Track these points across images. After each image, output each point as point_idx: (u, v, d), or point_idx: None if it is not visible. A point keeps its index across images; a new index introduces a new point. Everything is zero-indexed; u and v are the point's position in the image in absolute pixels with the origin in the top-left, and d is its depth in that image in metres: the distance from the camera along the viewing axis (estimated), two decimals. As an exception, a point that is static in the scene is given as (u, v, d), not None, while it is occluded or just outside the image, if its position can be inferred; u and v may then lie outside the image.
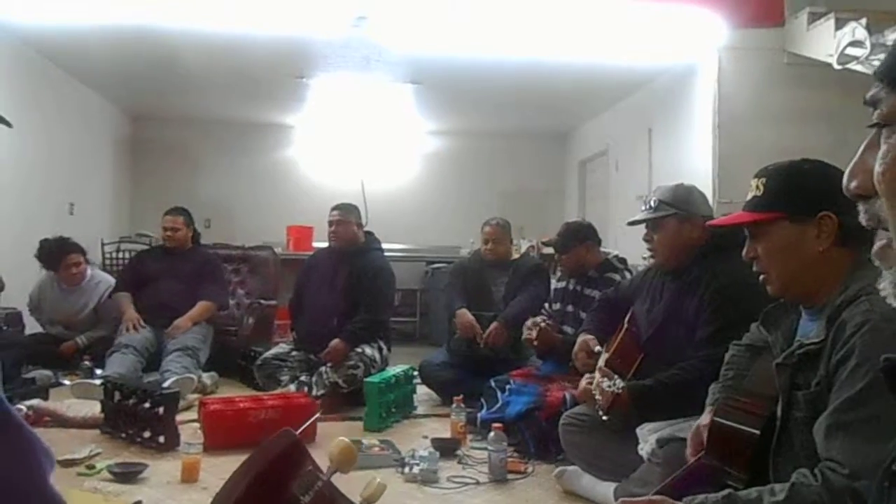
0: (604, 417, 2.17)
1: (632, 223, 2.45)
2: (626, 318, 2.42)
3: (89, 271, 4.58)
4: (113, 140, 6.93)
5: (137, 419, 2.98)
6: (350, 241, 4.02)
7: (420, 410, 3.74)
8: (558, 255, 3.44)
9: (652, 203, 2.36)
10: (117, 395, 3.10)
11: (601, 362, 2.31)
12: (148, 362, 4.03)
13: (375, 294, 3.89)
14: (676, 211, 2.30)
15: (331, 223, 4.05)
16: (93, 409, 3.25)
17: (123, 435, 3.01)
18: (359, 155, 7.47)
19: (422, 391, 3.92)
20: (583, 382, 2.36)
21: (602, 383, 2.14)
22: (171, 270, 4.35)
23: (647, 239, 2.38)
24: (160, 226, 4.55)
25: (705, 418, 1.76)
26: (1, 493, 0.62)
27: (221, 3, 4.34)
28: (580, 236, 3.38)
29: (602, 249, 3.46)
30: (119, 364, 3.81)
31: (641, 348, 2.31)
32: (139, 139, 7.36)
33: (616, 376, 2.16)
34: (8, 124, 1.01)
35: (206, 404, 3.09)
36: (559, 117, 7.03)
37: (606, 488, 2.33)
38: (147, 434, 2.94)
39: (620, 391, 2.12)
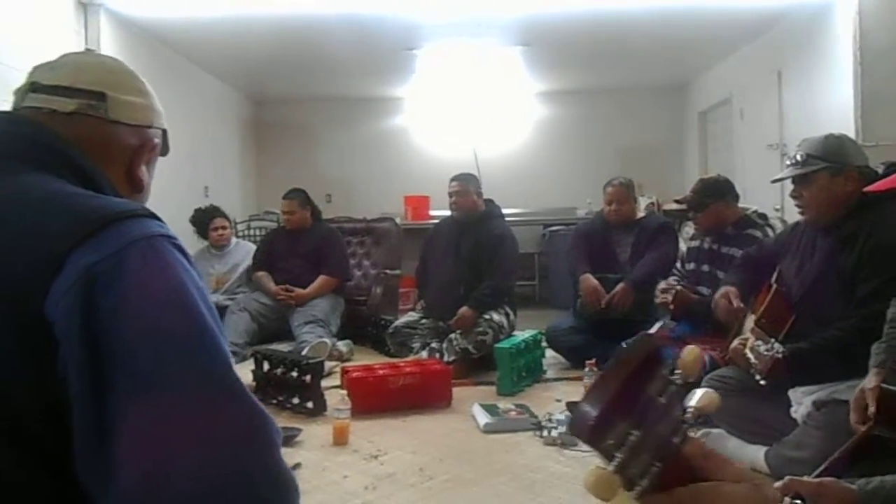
0: (762, 382, 2.09)
1: (777, 180, 2.32)
2: (774, 277, 2.31)
3: (234, 239, 4.98)
4: (239, 124, 7.31)
5: (286, 386, 3.19)
6: (470, 210, 4.06)
7: (550, 374, 3.76)
8: (693, 214, 3.29)
9: (799, 157, 2.21)
10: (266, 365, 3.33)
11: (750, 323, 2.23)
12: (271, 332, 4.31)
13: (499, 261, 3.92)
14: (828, 164, 2.15)
15: (451, 194, 4.11)
16: (244, 377, 3.49)
17: (274, 401, 3.22)
18: (470, 122, 7.49)
19: (550, 355, 3.93)
20: (735, 343, 2.28)
21: (758, 346, 2.06)
22: (294, 249, 4.59)
23: (795, 195, 2.24)
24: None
25: (870, 381, 1.67)
26: (230, 470, 0.66)
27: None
28: (717, 192, 3.19)
29: (739, 205, 3.29)
30: (234, 324, 4.12)
31: (792, 308, 2.20)
32: (262, 122, 7.72)
33: (772, 339, 2.08)
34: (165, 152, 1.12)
35: (349, 372, 3.26)
36: (676, 68, 6.71)
37: (756, 451, 2.26)
38: (296, 400, 3.14)
39: (780, 355, 2.03)
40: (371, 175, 7.50)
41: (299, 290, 4.35)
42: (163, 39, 5.35)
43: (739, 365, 2.28)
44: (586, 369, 3.17)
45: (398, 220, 6.04)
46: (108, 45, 4.67)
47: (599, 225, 4.06)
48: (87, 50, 1.07)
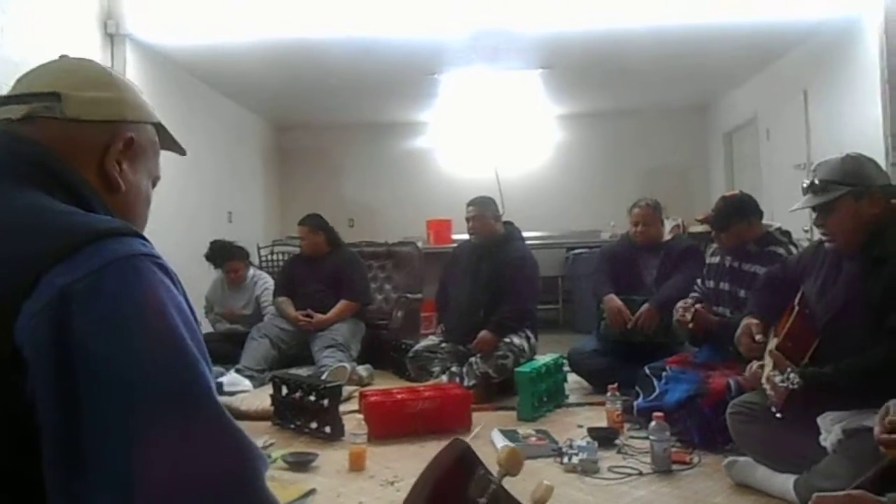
0: (777, 415, 2.01)
1: (797, 209, 2.24)
2: (797, 299, 2.24)
3: (251, 272, 4.97)
4: (261, 150, 7.40)
5: (304, 411, 3.16)
6: (488, 235, 4.03)
7: (572, 399, 3.68)
8: (716, 233, 3.22)
9: (817, 183, 2.13)
10: (284, 389, 3.31)
11: (771, 345, 2.15)
12: (291, 357, 4.31)
13: (520, 284, 3.88)
14: (850, 188, 2.06)
15: (468, 219, 4.09)
16: (263, 402, 3.48)
17: (292, 426, 3.20)
18: (492, 145, 7.50)
19: (572, 379, 3.86)
20: (753, 366, 2.21)
21: (774, 377, 1.98)
22: (314, 274, 4.58)
23: (819, 224, 2.16)
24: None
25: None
26: (213, 495, 0.64)
27: (355, 13, 4.51)
28: (741, 211, 3.10)
29: (763, 222, 3.20)
30: (253, 350, 4.14)
31: (816, 332, 2.12)
32: (284, 148, 7.81)
33: (789, 368, 1.99)
34: (182, 152, 1.09)
35: (367, 396, 3.22)
36: (699, 88, 6.66)
37: (784, 481, 2.17)
38: (314, 425, 3.11)
39: (796, 386, 1.95)
40: (393, 199, 7.53)
41: (319, 315, 4.35)
42: (187, 68, 5.45)
43: (755, 390, 2.19)
44: (608, 394, 3.10)
45: (420, 244, 6.04)
46: (133, 74, 4.76)
47: (625, 246, 4.00)
48: (62, 56, 1.04)
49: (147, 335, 0.65)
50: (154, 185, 0.96)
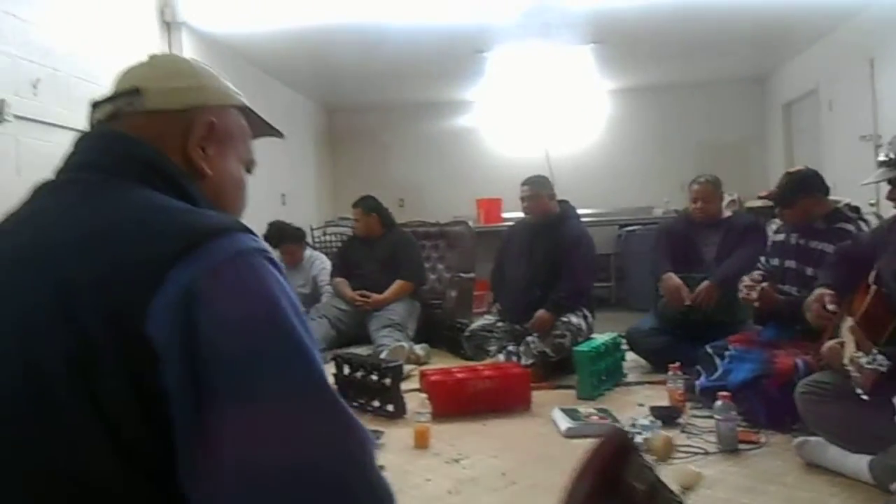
0: (863, 397, 1.97)
1: (869, 183, 2.17)
2: (873, 278, 2.18)
3: (308, 252, 5.07)
4: (314, 133, 7.48)
5: (367, 390, 3.23)
6: (543, 213, 4.02)
7: (630, 378, 3.67)
8: (780, 210, 3.14)
9: (892, 156, 2.07)
10: (347, 368, 3.38)
11: (847, 324, 2.10)
12: (349, 337, 4.38)
13: (576, 263, 3.87)
14: (927, 162, 2.00)
15: (522, 198, 4.08)
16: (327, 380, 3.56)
17: (355, 404, 3.26)
18: (540, 122, 7.42)
19: (630, 358, 3.84)
20: (830, 343, 2.16)
21: (859, 358, 1.94)
22: (368, 256, 4.64)
23: (893, 198, 2.09)
24: (355, 215, 4.89)
25: None
26: (329, 478, 0.66)
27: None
28: (806, 187, 3.01)
29: (830, 198, 3.11)
30: (313, 330, 4.18)
31: (894, 312, 2.07)
32: (335, 130, 7.88)
33: (875, 350, 1.95)
34: (279, 135, 1.11)
35: (428, 375, 3.27)
36: (756, 58, 6.44)
37: (858, 461, 2.14)
38: (377, 403, 3.17)
39: (884, 368, 1.90)
40: (443, 178, 7.53)
41: (376, 296, 4.41)
42: (241, 53, 5.53)
43: (835, 369, 2.15)
44: (669, 373, 3.08)
45: (471, 223, 6.05)
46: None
47: (683, 223, 3.94)
48: (151, 56, 1.07)
49: (264, 329, 0.69)
50: (249, 169, 0.98)
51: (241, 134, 0.95)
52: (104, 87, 3.44)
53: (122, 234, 0.72)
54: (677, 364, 3.09)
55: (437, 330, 4.68)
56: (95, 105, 0.90)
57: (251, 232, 0.76)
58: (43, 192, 0.83)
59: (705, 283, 3.57)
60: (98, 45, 4.05)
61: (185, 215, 0.76)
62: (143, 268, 0.68)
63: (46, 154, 3.61)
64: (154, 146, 0.83)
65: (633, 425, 2.72)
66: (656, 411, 2.88)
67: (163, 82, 0.88)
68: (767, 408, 2.72)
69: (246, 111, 0.97)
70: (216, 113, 0.89)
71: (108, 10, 4.17)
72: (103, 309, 0.67)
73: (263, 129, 1.04)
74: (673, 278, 3.67)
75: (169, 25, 4.73)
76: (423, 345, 4.37)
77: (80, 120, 3.57)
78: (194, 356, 0.65)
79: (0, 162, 3.33)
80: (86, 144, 0.86)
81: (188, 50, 4.83)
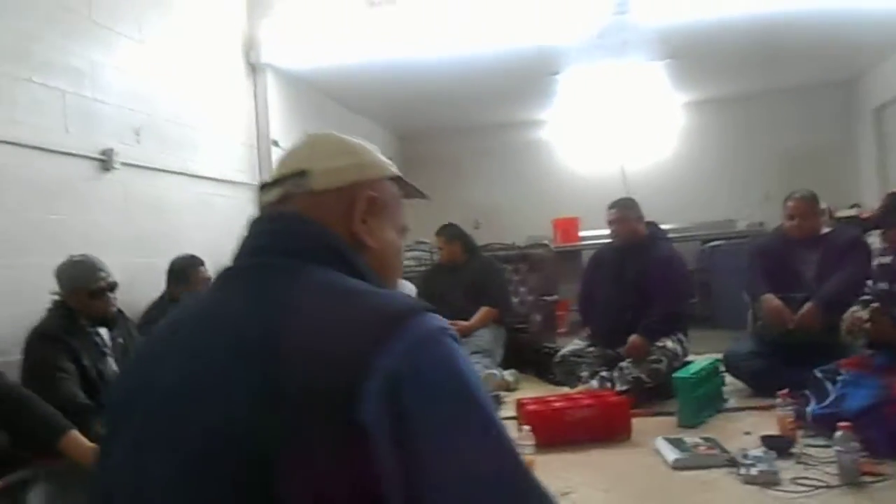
0: None
1: None
2: None
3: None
4: (386, 158, 7.61)
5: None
6: (631, 236, 3.96)
7: (732, 404, 3.55)
8: (883, 232, 3.01)
9: None
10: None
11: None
12: None
13: (669, 286, 3.79)
14: None
15: (610, 222, 4.03)
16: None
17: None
18: (614, 137, 7.36)
19: (728, 381, 3.71)
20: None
21: None
22: (452, 284, 4.66)
23: None
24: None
25: None
26: (495, 486, 0.72)
27: (478, 26, 4.57)
28: (911, 207, 2.90)
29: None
30: None
31: None
32: (407, 156, 7.97)
33: None
34: (426, 197, 1.15)
35: (525, 405, 3.26)
36: (843, 61, 6.18)
37: None
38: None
39: None
40: (518, 199, 7.53)
41: (462, 323, 4.43)
42: (319, 88, 5.71)
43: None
44: (779, 400, 2.96)
45: (546, 242, 6.05)
46: (274, 99, 5.06)
47: (778, 241, 3.80)
48: (307, 134, 1.13)
49: (460, 404, 0.74)
50: (403, 234, 1.02)
51: (396, 202, 0.99)
52: (198, 129, 3.69)
53: (319, 322, 0.76)
54: (786, 391, 2.97)
55: (524, 354, 4.66)
56: (263, 187, 0.95)
57: (432, 309, 0.80)
58: (229, 279, 0.88)
59: (808, 306, 3.44)
60: (191, 89, 4.26)
61: (371, 298, 0.80)
62: (348, 357, 0.71)
63: (150, 197, 3.82)
64: (324, 225, 0.88)
65: (745, 456, 2.63)
66: (768, 441, 2.77)
67: (326, 162, 0.92)
68: (889, 437, 2.59)
69: (398, 179, 1.01)
70: (374, 186, 0.94)
71: (199, 57, 4.39)
72: (312, 399, 0.70)
73: (412, 192, 1.07)
74: (773, 300, 3.55)
75: (254, 67, 4.93)
76: (512, 370, 4.36)
77: (178, 163, 3.79)
78: (402, 437, 0.69)
79: (110, 208, 3.54)
80: (260, 228, 0.91)
81: (272, 89, 5.02)
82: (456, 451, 0.70)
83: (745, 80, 6.57)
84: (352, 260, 0.87)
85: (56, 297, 2.64)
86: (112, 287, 2.66)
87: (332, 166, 0.92)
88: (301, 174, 0.91)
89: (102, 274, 2.63)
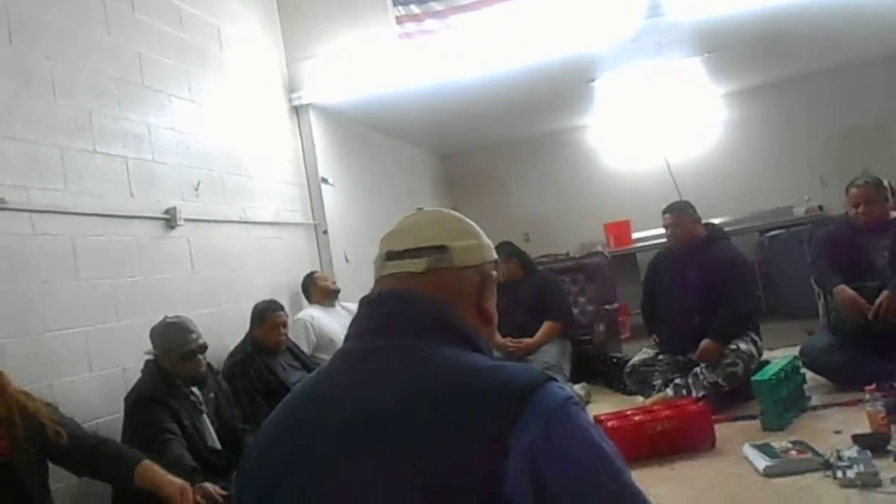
0: None
1: None
2: None
3: None
4: (430, 181, 7.68)
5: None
6: (689, 239, 3.90)
7: (815, 402, 3.45)
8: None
9: None
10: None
11: None
12: None
13: (734, 286, 3.72)
14: None
15: (666, 227, 3.98)
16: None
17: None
18: (655, 133, 7.27)
19: (808, 377, 3.62)
20: None
21: None
22: (513, 301, 4.60)
23: None
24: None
25: None
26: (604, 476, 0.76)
27: (511, 42, 4.60)
28: None
29: None
30: None
31: None
32: (450, 174, 8.04)
33: None
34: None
35: (603, 420, 3.23)
36: (883, 38, 5.95)
37: None
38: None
39: None
40: (565, 207, 7.48)
41: (527, 340, 4.42)
42: (359, 120, 5.80)
43: None
44: (867, 395, 2.88)
45: (599, 248, 5.99)
46: (319, 137, 5.16)
47: (846, 229, 3.70)
48: (418, 209, 1.19)
49: (597, 471, 0.77)
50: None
51: (494, 280, 1.04)
52: (251, 176, 3.79)
53: (454, 401, 0.80)
54: (873, 385, 2.88)
55: (591, 366, 4.63)
56: (394, 255, 0.98)
57: (554, 378, 0.83)
58: (359, 359, 0.91)
59: (885, 294, 3.34)
60: (241, 139, 4.39)
61: (497, 372, 0.83)
62: (488, 434, 0.75)
63: (213, 248, 3.94)
64: (454, 301, 0.94)
65: (840, 457, 2.56)
66: (861, 439, 2.69)
67: (459, 240, 0.98)
68: None
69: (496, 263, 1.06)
70: (492, 266, 1.02)
71: (246, 106, 4.52)
72: (459, 476, 0.74)
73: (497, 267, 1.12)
74: (847, 291, 3.46)
75: (297, 109, 5.04)
76: (583, 384, 4.34)
77: (236, 212, 3.88)
78: None
79: (177, 262, 3.65)
80: (390, 308, 0.94)
81: (315, 128, 5.12)
82: None
83: (789, 65, 6.41)
84: (474, 338, 0.93)
85: (149, 358, 2.74)
86: (203, 349, 2.77)
87: (466, 244, 0.99)
88: (443, 249, 0.96)
89: (193, 336, 2.73)
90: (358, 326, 0.95)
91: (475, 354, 0.90)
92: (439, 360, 0.86)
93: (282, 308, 3.68)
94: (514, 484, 0.73)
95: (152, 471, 2.18)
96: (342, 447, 0.81)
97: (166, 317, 2.88)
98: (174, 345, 2.68)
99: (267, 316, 3.60)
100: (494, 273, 1.02)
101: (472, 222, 1.04)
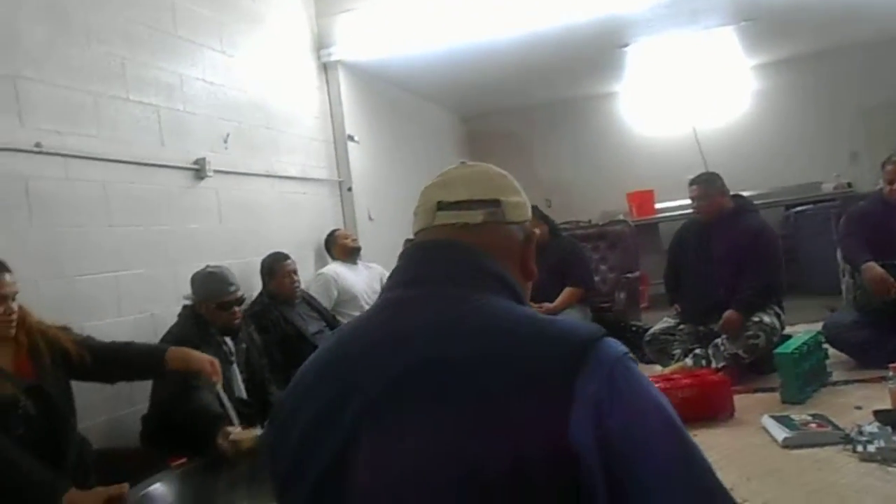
0: None
1: None
2: None
3: None
4: (452, 142, 7.63)
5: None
6: (716, 211, 3.86)
7: (836, 377, 3.45)
8: None
9: None
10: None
11: None
12: None
13: (760, 258, 3.69)
14: None
15: (692, 199, 3.93)
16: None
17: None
18: (684, 106, 7.15)
19: (831, 353, 3.60)
20: None
21: None
22: (539, 264, 4.60)
23: None
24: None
25: None
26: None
27: (543, 1, 4.52)
28: None
29: None
30: None
31: None
32: (473, 137, 7.97)
33: None
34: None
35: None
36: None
37: None
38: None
39: None
40: (588, 174, 7.41)
41: (548, 305, 4.43)
42: (385, 79, 5.75)
43: None
44: (890, 373, 2.88)
45: (622, 217, 5.96)
46: (346, 94, 5.13)
47: (878, 206, 3.66)
48: (461, 163, 1.17)
49: (663, 433, 0.77)
50: None
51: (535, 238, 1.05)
52: (280, 131, 3.82)
53: (521, 349, 0.80)
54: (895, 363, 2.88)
55: (610, 333, 4.54)
56: (447, 205, 0.96)
57: (609, 334, 0.83)
58: (410, 304, 0.90)
59: (914, 272, 3.32)
60: (270, 93, 4.38)
61: (557, 323, 0.85)
62: (554, 380, 0.76)
63: (241, 200, 3.97)
64: (502, 256, 0.94)
65: (861, 432, 2.57)
66: (882, 416, 2.70)
67: (509, 196, 0.98)
68: None
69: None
70: (532, 223, 1.02)
71: (275, 61, 4.50)
72: (525, 424, 0.74)
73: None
74: (875, 268, 3.43)
75: (325, 66, 5.01)
76: (602, 351, 4.35)
77: (263, 165, 3.90)
78: (606, 459, 0.73)
79: (206, 213, 3.69)
80: (438, 255, 0.94)
81: (343, 84, 5.09)
82: (657, 466, 0.74)
83: (819, 36, 6.24)
84: (521, 293, 0.94)
85: (186, 303, 2.79)
86: (240, 301, 2.81)
87: (514, 200, 0.99)
88: (497, 202, 0.96)
89: (232, 287, 2.77)
90: (413, 272, 0.94)
91: (527, 307, 0.91)
92: (501, 312, 0.86)
93: (288, 257, 3.73)
94: (578, 431, 0.73)
95: (181, 350, 2.32)
96: (409, 390, 0.81)
97: (208, 265, 2.92)
98: (213, 294, 2.72)
99: (277, 267, 3.66)
100: (537, 231, 1.03)
101: (515, 181, 1.03)
